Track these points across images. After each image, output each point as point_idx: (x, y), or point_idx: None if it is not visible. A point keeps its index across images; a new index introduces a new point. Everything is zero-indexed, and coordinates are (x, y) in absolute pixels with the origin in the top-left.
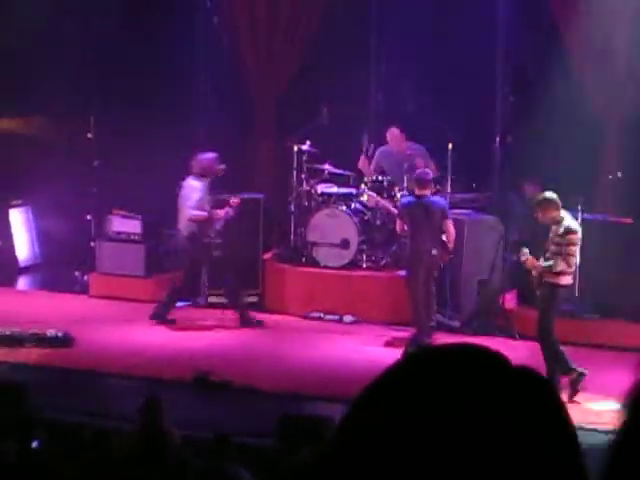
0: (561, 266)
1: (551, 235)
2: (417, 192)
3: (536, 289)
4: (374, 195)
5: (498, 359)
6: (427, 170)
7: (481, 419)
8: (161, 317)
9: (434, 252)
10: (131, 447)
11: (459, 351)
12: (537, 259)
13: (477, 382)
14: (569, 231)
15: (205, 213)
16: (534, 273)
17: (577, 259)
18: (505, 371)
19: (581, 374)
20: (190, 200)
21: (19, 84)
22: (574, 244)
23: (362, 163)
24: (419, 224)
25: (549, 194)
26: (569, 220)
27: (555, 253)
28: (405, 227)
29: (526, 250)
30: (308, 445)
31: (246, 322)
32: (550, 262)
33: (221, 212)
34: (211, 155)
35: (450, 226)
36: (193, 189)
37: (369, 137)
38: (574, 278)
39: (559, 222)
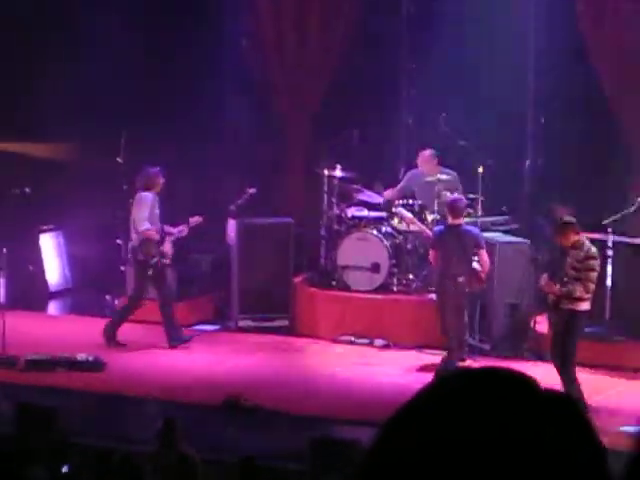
0: (579, 292)
1: (570, 260)
2: (450, 221)
3: (551, 313)
4: (409, 215)
5: (527, 382)
6: (460, 197)
7: (511, 442)
8: (176, 340)
9: (460, 279)
10: (154, 470)
11: (489, 374)
12: (555, 283)
13: (507, 405)
14: (589, 257)
15: (154, 233)
16: (551, 297)
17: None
18: (534, 394)
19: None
20: (140, 213)
21: (50, 110)
22: (593, 270)
23: (388, 194)
24: (449, 252)
25: (568, 218)
26: (589, 245)
27: (574, 278)
28: (435, 255)
29: (545, 275)
30: (337, 469)
31: (109, 337)
32: (568, 287)
33: (174, 230)
34: (154, 169)
35: (484, 256)
36: (142, 201)
37: (400, 159)
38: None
39: (579, 247)
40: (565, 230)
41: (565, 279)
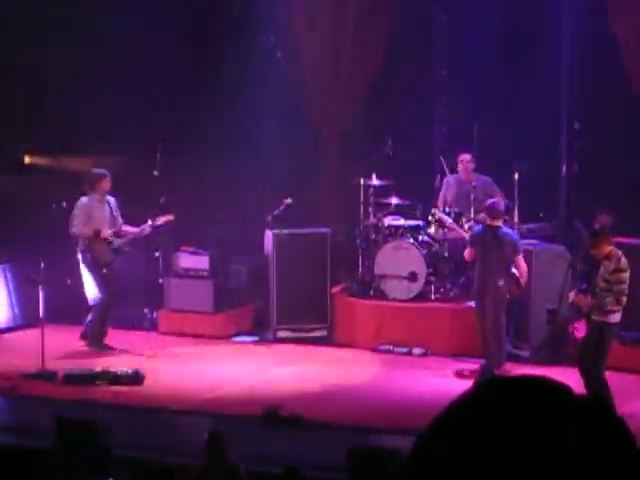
0: (610, 305)
1: (601, 271)
2: (489, 222)
3: (587, 319)
4: (450, 220)
5: (560, 390)
6: (499, 200)
7: (544, 451)
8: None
9: (500, 283)
10: None
11: (522, 383)
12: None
13: (540, 414)
14: (619, 269)
15: (87, 231)
16: (584, 310)
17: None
18: (567, 402)
19: None
20: (74, 216)
21: (84, 124)
22: (624, 282)
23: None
24: (488, 254)
25: (602, 229)
26: (620, 257)
27: (605, 290)
28: (472, 254)
29: (572, 292)
30: (378, 478)
31: (88, 337)
32: (599, 300)
33: (133, 229)
34: (98, 171)
35: (522, 261)
36: (76, 206)
37: (434, 167)
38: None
39: (610, 258)
40: (598, 241)
41: (597, 290)
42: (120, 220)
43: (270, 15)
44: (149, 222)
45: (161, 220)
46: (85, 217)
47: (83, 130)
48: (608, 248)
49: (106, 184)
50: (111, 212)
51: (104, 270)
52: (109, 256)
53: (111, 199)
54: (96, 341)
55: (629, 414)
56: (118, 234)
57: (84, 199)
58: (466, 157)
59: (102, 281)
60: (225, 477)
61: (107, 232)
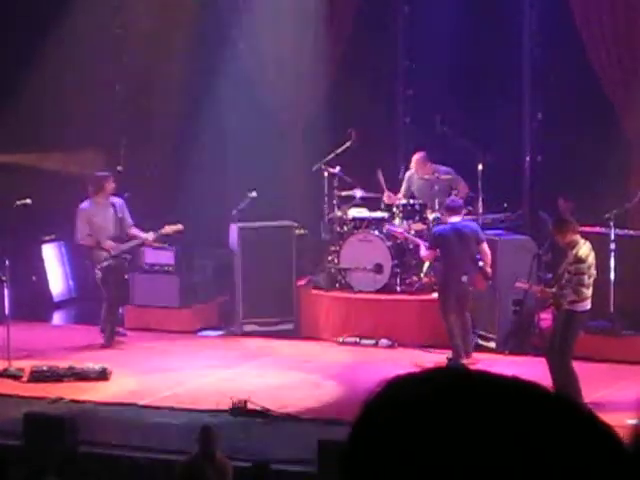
0: (571, 296)
1: (566, 261)
2: (448, 220)
3: (556, 310)
4: (400, 230)
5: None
6: (455, 197)
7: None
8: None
9: (463, 279)
10: (183, 478)
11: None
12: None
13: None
14: (577, 260)
15: (90, 241)
16: (550, 301)
17: (590, 289)
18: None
19: None
20: (78, 224)
21: (51, 120)
22: (582, 273)
23: (388, 199)
24: (453, 252)
25: (564, 217)
26: (580, 247)
27: (568, 281)
28: (433, 255)
29: (518, 284)
30: None
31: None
32: (562, 292)
33: (142, 235)
34: (101, 174)
35: (486, 248)
36: (78, 214)
37: (398, 159)
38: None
39: (572, 248)
40: (562, 228)
41: (563, 281)
42: (129, 221)
43: (233, 8)
44: (154, 232)
45: (168, 230)
46: (86, 224)
47: (45, 126)
48: (571, 237)
49: (110, 185)
50: (115, 214)
51: (99, 274)
52: (106, 261)
53: (117, 200)
54: (107, 337)
55: (596, 403)
56: (122, 238)
57: (85, 205)
58: (417, 157)
59: (101, 284)
60: (216, 473)
61: (109, 244)
